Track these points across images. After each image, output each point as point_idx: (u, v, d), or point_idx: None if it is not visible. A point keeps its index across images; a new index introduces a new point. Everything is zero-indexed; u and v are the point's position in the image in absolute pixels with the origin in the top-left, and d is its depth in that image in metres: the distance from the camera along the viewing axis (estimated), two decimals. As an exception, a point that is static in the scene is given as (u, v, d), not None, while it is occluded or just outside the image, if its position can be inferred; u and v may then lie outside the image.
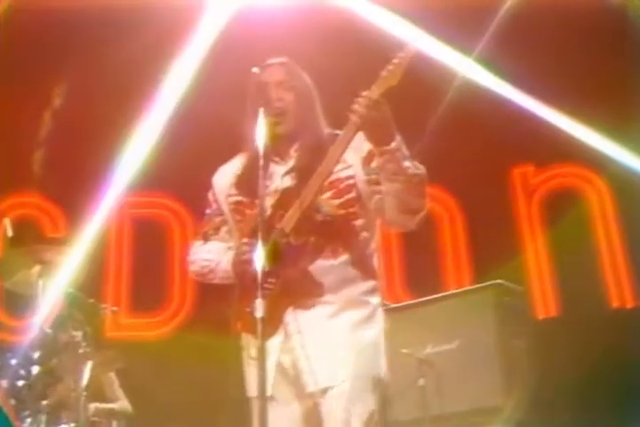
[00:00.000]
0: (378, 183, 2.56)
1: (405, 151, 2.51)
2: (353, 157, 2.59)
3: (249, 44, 4.93)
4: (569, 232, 5.65)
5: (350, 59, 5.16)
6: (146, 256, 5.90)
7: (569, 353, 4.86)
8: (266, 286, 2.34)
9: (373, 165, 2.57)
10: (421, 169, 2.54)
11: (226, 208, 2.77)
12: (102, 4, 5.46)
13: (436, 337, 4.33)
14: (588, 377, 4.86)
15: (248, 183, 2.63)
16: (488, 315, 4.28)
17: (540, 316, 5.70)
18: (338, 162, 2.54)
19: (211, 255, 2.76)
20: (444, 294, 4.67)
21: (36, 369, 3.84)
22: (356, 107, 2.44)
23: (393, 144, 2.47)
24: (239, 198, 2.72)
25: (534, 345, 4.36)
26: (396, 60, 2.45)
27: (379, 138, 2.48)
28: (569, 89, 5.30)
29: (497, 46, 5.11)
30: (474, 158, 5.68)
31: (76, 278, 4.38)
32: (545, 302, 5.77)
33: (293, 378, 2.54)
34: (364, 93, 2.44)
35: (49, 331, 4.07)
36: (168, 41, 5.26)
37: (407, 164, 2.50)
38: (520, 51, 5.29)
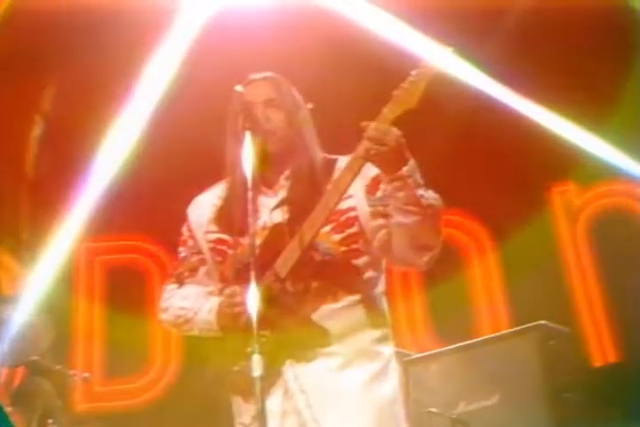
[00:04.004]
0: (384, 216, 2.61)
1: (419, 178, 2.55)
2: (355, 186, 2.62)
3: (229, 54, 5.04)
4: (624, 261, 5.68)
5: (350, 71, 5.27)
6: (121, 310, 5.91)
7: (635, 407, 4.85)
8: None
9: (379, 194, 2.62)
10: (437, 199, 2.58)
11: (204, 246, 2.82)
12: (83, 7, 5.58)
13: (469, 392, 4.34)
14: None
15: (230, 218, 2.67)
16: (531, 363, 4.29)
17: (597, 363, 5.72)
18: (343, 194, 2.58)
19: (187, 303, 2.79)
20: (476, 339, 4.69)
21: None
22: (364, 140, 2.47)
23: (405, 169, 2.51)
24: (220, 236, 2.77)
25: (590, 398, 4.36)
26: (411, 78, 2.47)
27: (388, 164, 2.52)
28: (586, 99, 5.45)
29: (509, 55, 5.26)
30: (501, 178, 5.77)
31: (37, 341, 4.42)
32: (601, 347, 5.80)
33: None
34: (373, 122, 2.47)
35: (9, 409, 4.08)
36: (140, 50, 5.38)
37: (421, 192, 2.54)
38: (531, 59, 5.45)
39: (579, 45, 5.63)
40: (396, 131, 2.48)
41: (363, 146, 2.50)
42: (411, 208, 2.52)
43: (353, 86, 5.25)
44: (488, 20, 5.43)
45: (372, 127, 2.48)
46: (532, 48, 5.55)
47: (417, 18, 5.15)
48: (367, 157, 2.51)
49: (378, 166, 2.55)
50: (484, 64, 5.26)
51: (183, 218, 2.93)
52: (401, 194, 2.52)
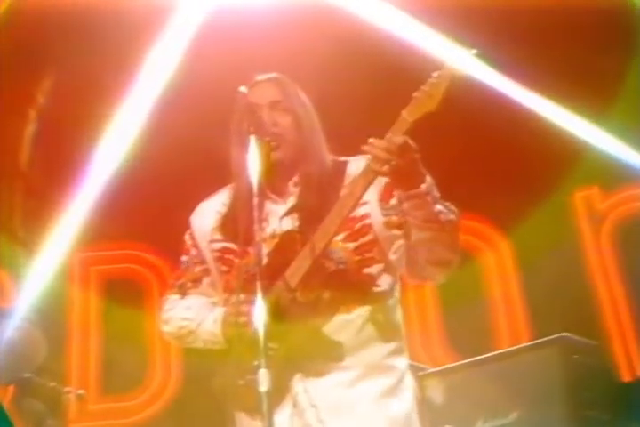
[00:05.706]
0: (399, 226, 2.65)
1: (436, 193, 2.60)
2: (369, 192, 2.65)
3: (232, 52, 5.09)
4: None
5: (358, 71, 5.29)
6: (118, 323, 5.94)
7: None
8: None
9: (392, 202, 2.67)
10: (455, 213, 2.63)
11: (208, 256, 2.86)
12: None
13: (487, 409, 4.34)
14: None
15: (236, 225, 2.69)
16: (553, 378, 4.27)
17: (625, 378, 5.70)
18: (359, 201, 2.61)
19: (190, 313, 2.83)
20: (494, 353, 4.69)
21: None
22: (375, 152, 2.49)
23: (422, 186, 2.55)
24: (225, 244, 2.81)
25: (617, 417, 4.35)
26: (432, 80, 2.50)
27: (405, 182, 2.56)
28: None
29: (520, 55, 5.32)
30: (522, 183, 5.79)
31: (29, 357, 4.45)
32: (629, 360, 5.80)
33: None
34: (387, 137, 2.49)
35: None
36: (140, 47, 5.44)
37: (439, 208, 2.58)
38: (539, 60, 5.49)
39: (592, 45, 5.68)
40: (410, 144, 2.50)
41: (373, 161, 2.52)
42: (430, 225, 2.57)
43: (361, 86, 5.28)
44: (496, 18, 5.46)
45: (382, 143, 2.49)
46: (538, 48, 5.59)
47: (428, 14, 5.19)
48: (380, 173, 2.54)
49: (393, 183, 2.59)
50: (497, 63, 5.31)
51: (184, 225, 2.96)
52: (419, 212, 2.56)
